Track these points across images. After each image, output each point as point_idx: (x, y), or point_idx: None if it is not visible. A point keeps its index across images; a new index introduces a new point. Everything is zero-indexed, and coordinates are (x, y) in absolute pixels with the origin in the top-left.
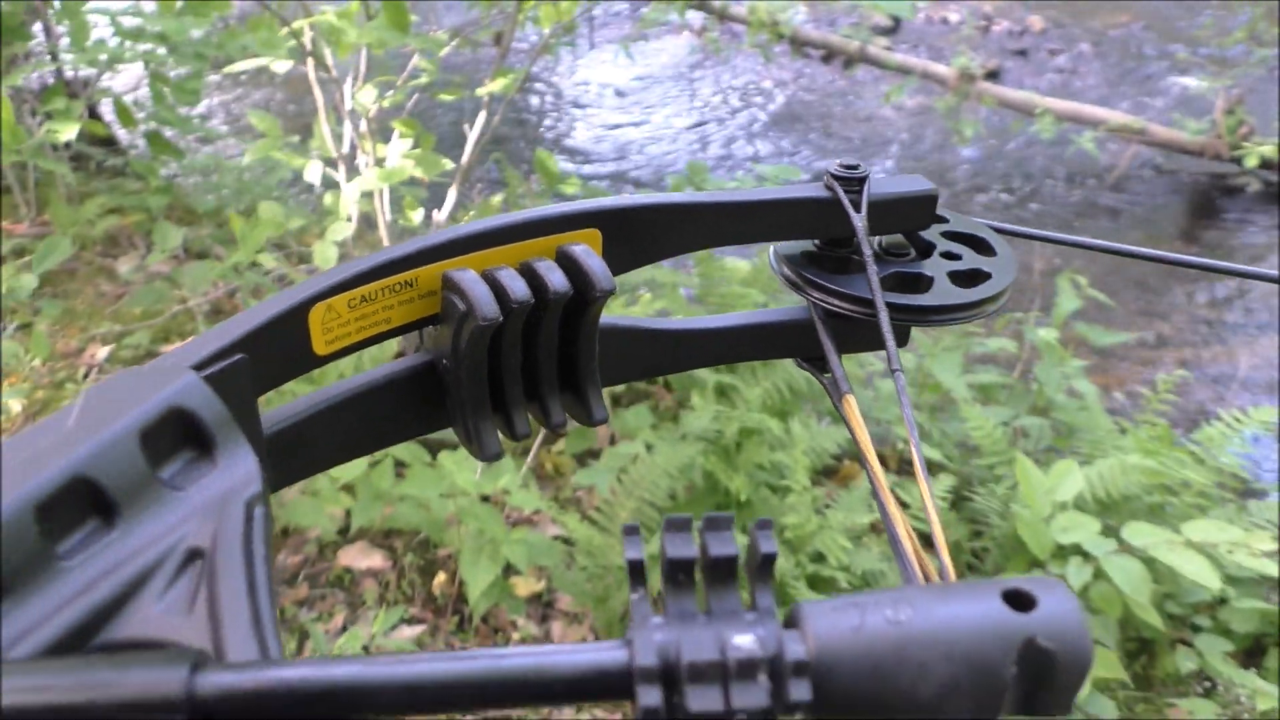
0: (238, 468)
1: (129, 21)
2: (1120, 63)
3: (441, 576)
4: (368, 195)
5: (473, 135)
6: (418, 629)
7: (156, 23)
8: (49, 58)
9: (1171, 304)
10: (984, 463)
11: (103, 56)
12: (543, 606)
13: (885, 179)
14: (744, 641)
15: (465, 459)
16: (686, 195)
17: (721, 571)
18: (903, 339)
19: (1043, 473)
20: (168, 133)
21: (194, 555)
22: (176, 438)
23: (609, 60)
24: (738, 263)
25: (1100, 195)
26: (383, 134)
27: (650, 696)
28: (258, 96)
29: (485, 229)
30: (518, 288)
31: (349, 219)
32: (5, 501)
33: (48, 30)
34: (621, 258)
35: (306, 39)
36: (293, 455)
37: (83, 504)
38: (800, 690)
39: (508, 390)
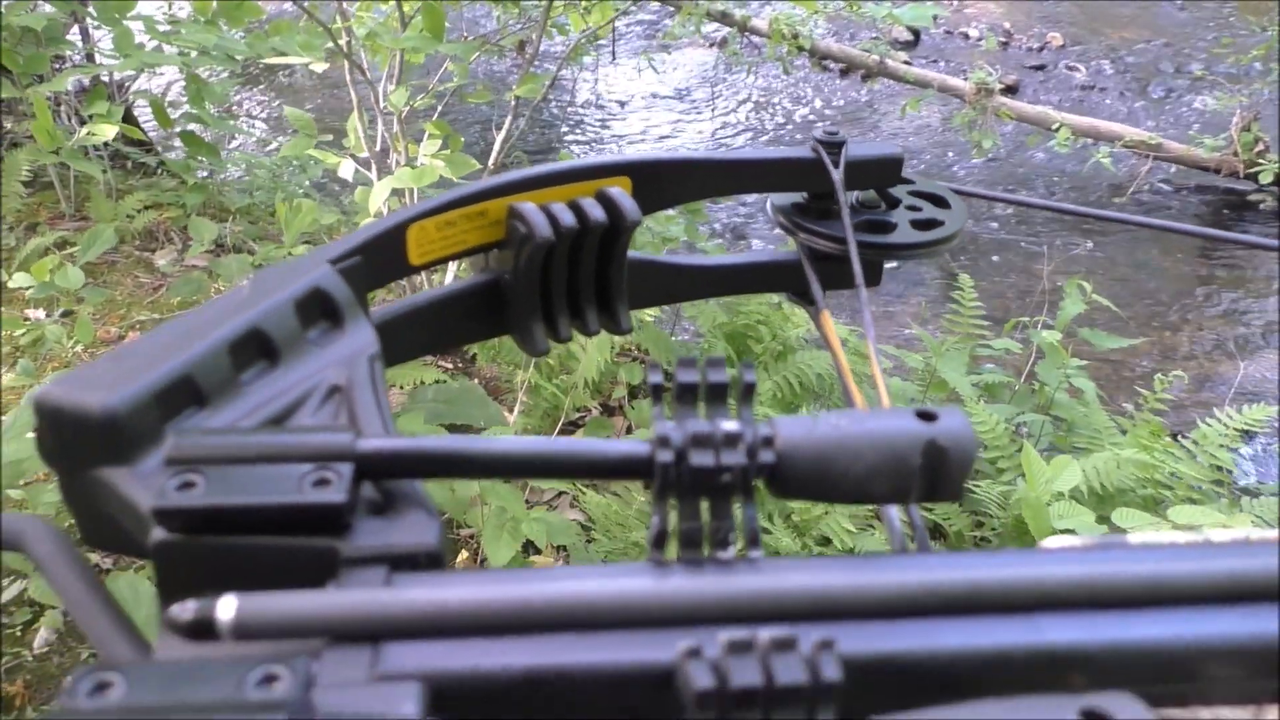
0: (360, 334)
1: (165, 26)
2: (1138, 79)
3: (464, 555)
4: (398, 193)
5: (500, 137)
6: None
7: (192, 27)
8: (86, 61)
9: (1183, 317)
10: (987, 456)
11: (144, 60)
12: None
13: (861, 144)
14: (730, 426)
15: None
16: (701, 153)
17: (716, 392)
18: (874, 279)
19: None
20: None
21: (334, 390)
22: (317, 310)
23: (630, 71)
24: None
25: (1115, 209)
26: (413, 135)
27: (664, 456)
28: (277, 101)
29: (542, 173)
30: (566, 217)
31: (379, 215)
32: (209, 340)
33: (84, 34)
34: (647, 201)
35: (343, 42)
36: (389, 344)
37: (257, 348)
38: (768, 455)
39: (554, 302)
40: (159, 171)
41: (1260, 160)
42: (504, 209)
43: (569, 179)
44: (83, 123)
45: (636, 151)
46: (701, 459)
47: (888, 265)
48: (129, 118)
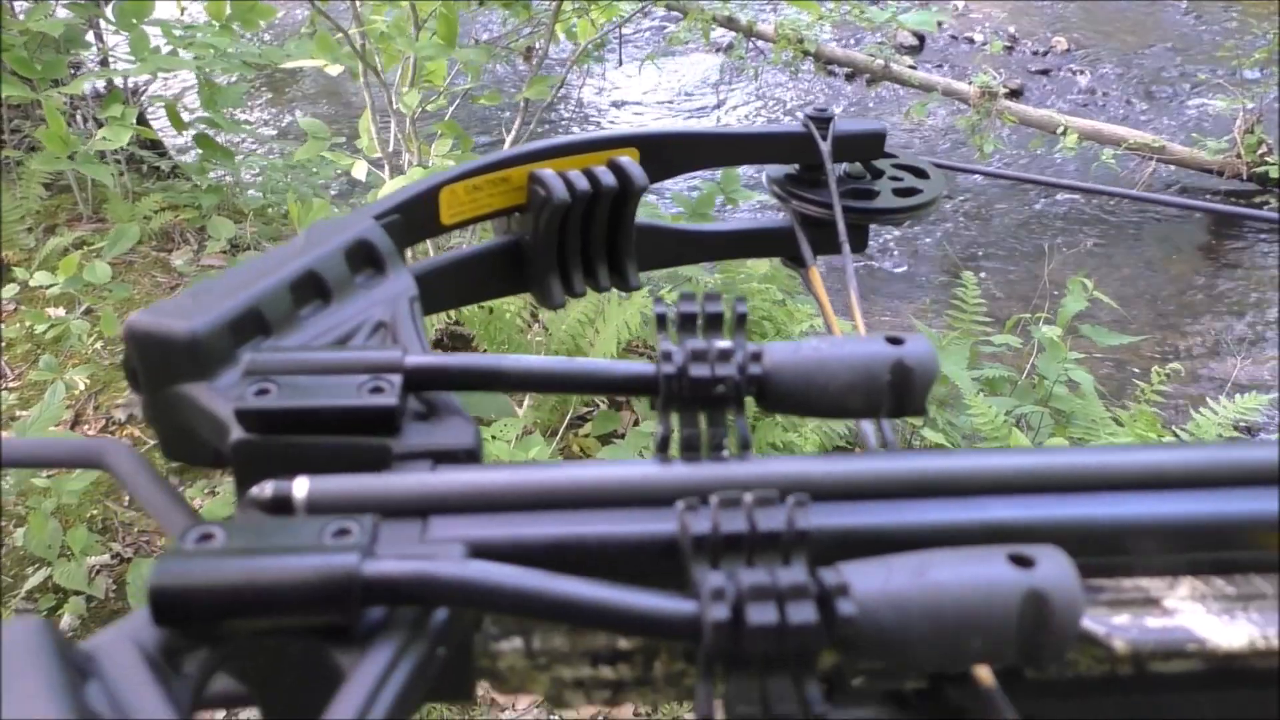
0: (401, 280)
1: (179, 30)
2: (1143, 83)
3: None
4: None
5: (509, 138)
6: None
7: (207, 31)
8: (100, 66)
9: (1185, 319)
10: (985, 446)
11: (160, 64)
12: None
13: (847, 120)
14: (725, 344)
15: (498, 437)
16: (701, 128)
17: (713, 321)
18: (860, 244)
19: None
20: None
21: (380, 325)
22: (363, 257)
23: (637, 75)
24: (757, 262)
25: (1119, 211)
26: (425, 137)
27: (667, 369)
28: (276, 109)
29: (560, 144)
30: (581, 182)
31: None
32: (273, 280)
33: (99, 39)
34: (654, 170)
35: (358, 45)
36: (423, 295)
37: (313, 288)
38: (755, 368)
39: (569, 260)
40: (172, 175)
41: (1265, 161)
42: (525, 175)
43: (583, 150)
44: (100, 125)
45: (643, 128)
46: (699, 371)
47: (895, 270)
48: (142, 121)
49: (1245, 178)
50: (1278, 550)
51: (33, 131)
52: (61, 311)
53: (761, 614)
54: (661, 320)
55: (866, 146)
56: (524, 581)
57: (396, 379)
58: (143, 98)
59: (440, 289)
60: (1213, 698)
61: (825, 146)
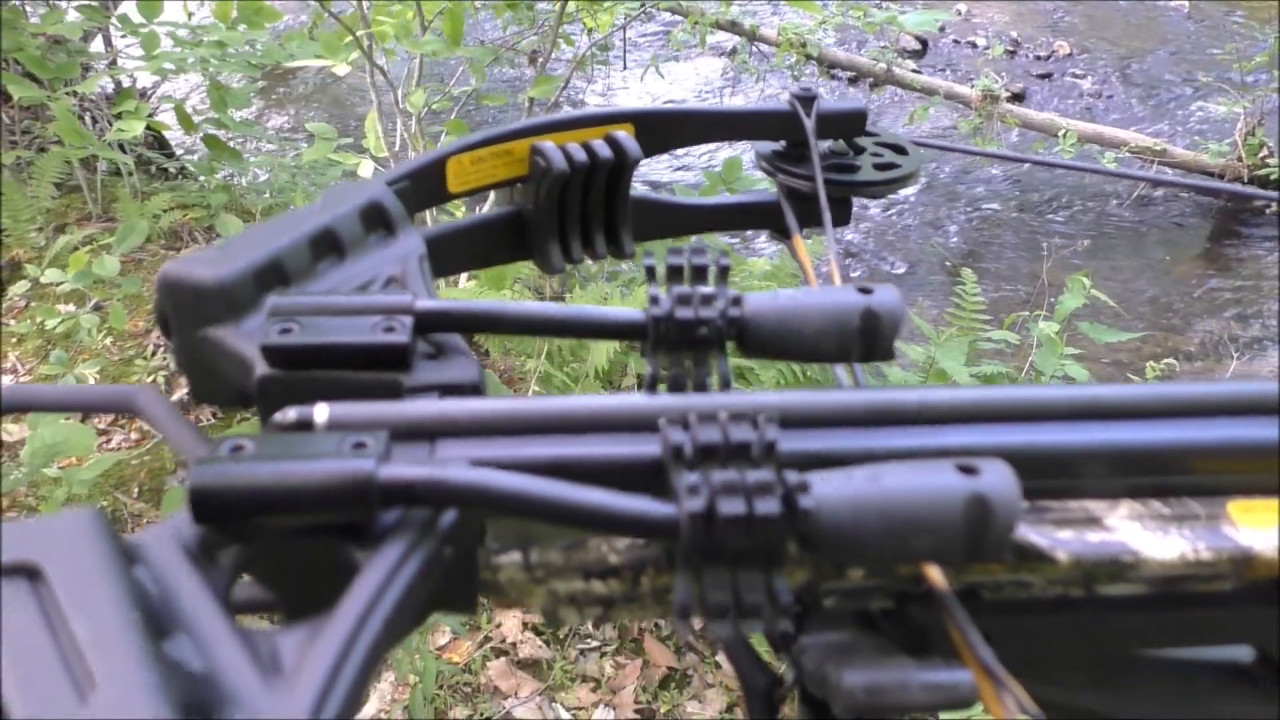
0: (410, 241)
1: (186, 33)
2: (1144, 86)
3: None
4: None
5: None
6: None
7: (214, 32)
8: (109, 67)
9: (1186, 322)
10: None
11: (169, 65)
12: None
13: (831, 100)
14: (709, 291)
15: None
16: (693, 106)
17: (699, 272)
18: (843, 218)
19: None
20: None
21: (391, 279)
22: (376, 219)
23: (641, 78)
24: (757, 260)
25: (1121, 214)
26: (431, 136)
27: (655, 311)
28: (278, 111)
29: (560, 119)
30: (579, 154)
31: None
32: (293, 235)
33: (107, 41)
34: (648, 144)
35: (365, 45)
36: (431, 259)
37: (329, 244)
38: (735, 311)
39: (568, 228)
40: (180, 176)
41: (1266, 164)
42: (526, 148)
43: (582, 125)
44: (110, 124)
45: (638, 106)
46: (684, 313)
47: (895, 271)
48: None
49: (1246, 180)
50: (1206, 475)
51: (42, 132)
52: (71, 307)
53: (731, 506)
54: (651, 271)
55: (848, 124)
56: (524, 486)
57: (408, 320)
58: (152, 99)
59: (447, 254)
60: (1152, 619)
61: (809, 123)
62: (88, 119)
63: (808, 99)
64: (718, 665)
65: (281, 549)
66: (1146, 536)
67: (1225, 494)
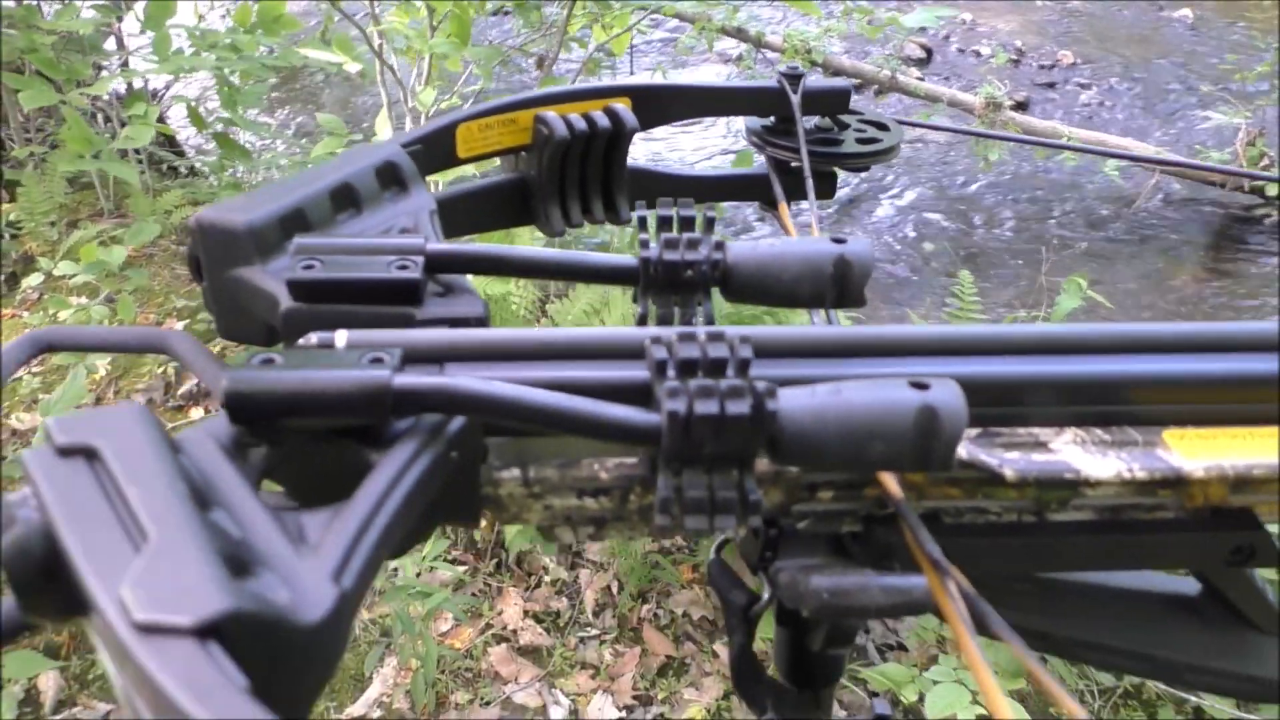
0: (421, 197)
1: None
2: (1147, 96)
3: (483, 524)
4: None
5: None
6: (459, 569)
7: (228, 35)
8: (121, 68)
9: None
10: None
11: (182, 66)
12: (571, 556)
13: (817, 79)
14: (695, 236)
15: None
16: (688, 82)
17: (686, 222)
18: (828, 191)
19: None
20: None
21: (404, 230)
22: (391, 177)
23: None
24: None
25: (1122, 221)
26: None
27: (645, 254)
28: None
29: (562, 91)
30: (580, 123)
31: None
32: (315, 187)
33: (119, 43)
34: (645, 117)
35: (376, 44)
36: (440, 219)
37: (347, 197)
38: (719, 255)
39: (568, 193)
40: (190, 174)
41: (1269, 168)
42: (531, 117)
43: (583, 97)
44: (123, 125)
45: (636, 81)
46: (672, 256)
47: (893, 271)
48: (161, 121)
49: (1247, 190)
50: (1144, 406)
51: (56, 132)
52: (84, 300)
53: (706, 407)
54: (643, 222)
55: (833, 102)
56: (523, 395)
57: (419, 259)
58: (163, 98)
59: (454, 216)
60: (1099, 543)
61: (796, 99)
62: (99, 119)
63: (795, 77)
64: (715, 654)
65: (303, 452)
66: (1087, 458)
67: (1162, 425)
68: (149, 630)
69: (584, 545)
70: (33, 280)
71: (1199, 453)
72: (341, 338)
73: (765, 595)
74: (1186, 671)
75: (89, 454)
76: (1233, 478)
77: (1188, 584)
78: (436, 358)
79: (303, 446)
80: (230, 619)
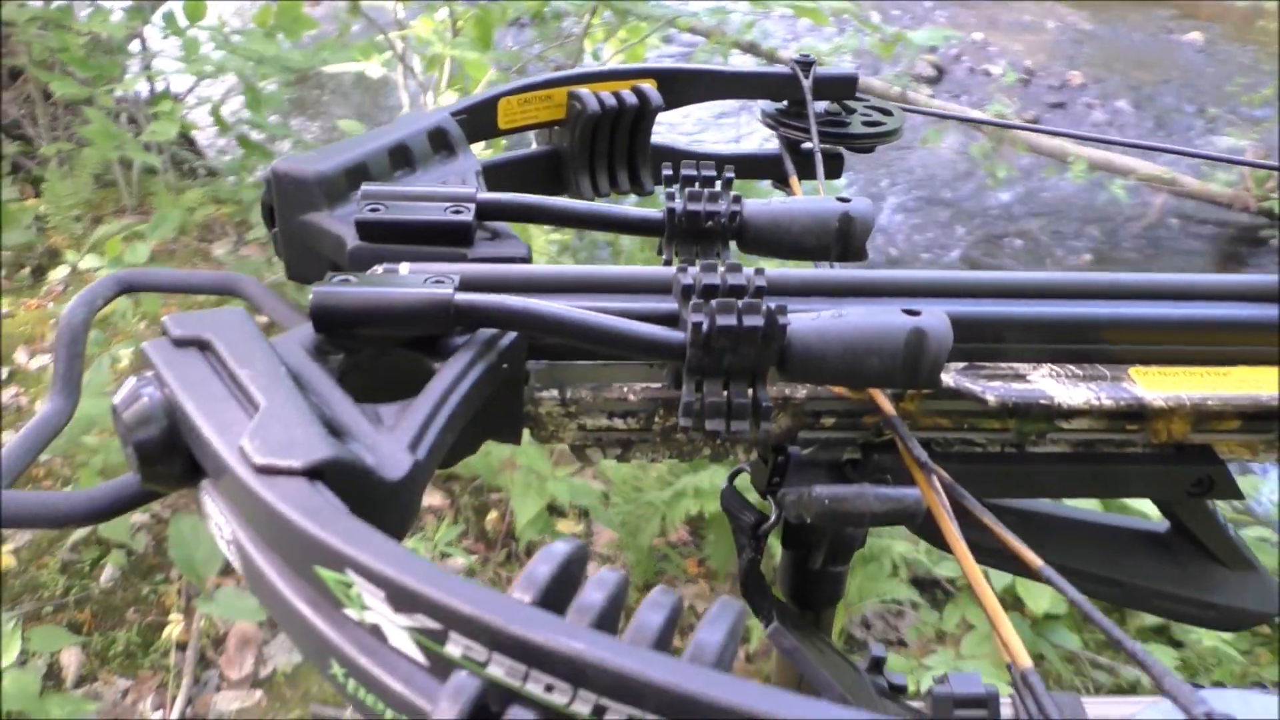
0: (469, 160)
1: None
2: (1155, 117)
3: (493, 514)
4: None
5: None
6: (471, 558)
7: (252, 38)
8: (145, 69)
9: None
10: None
11: (208, 68)
12: None
13: (827, 67)
14: (715, 190)
15: None
16: (708, 65)
17: (706, 180)
18: (835, 171)
19: None
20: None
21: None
22: (441, 141)
23: None
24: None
25: (1129, 240)
26: None
27: (671, 205)
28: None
29: (594, 70)
30: (609, 100)
31: None
32: (374, 145)
33: (143, 44)
34: (669, 97)
35: (399, 48)
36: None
37: (403, 157)
38: (736, 208)
39: (596, 165)
40: (209, 175)
41: (1272, 195)
42: (565, 94)
43: (612, 77)
44: (149, 121)
45: (660, 63)
46: (694, 207)
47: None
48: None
49: (1254, 211)
50: (1113, 345)
51: (81, 128)
52: None
53: (726, 320)
54: (668, 179)
55: (841, 87)
56: (567, 313)
57: (471, 206)
58: (187, 99)
59: (493, 183)
60: (1074, 472)
61: (807, 84)
62: (123, 118)
63: (806, 64)
64: None
65: (374, 361)
66: (1060, 388)
67: (1129, 364)
68: (267, 471)
69: (592, 539)
70: (59, 273)
71: (1161, 386)
72: (405, 267)
73: (773, 517)
74: (1154, 598)
75: (201, 345)
76: (1190, 408)
77: (1160, 526)
78: (488, 288)
79: (374, 356)
80: (331, 465)
